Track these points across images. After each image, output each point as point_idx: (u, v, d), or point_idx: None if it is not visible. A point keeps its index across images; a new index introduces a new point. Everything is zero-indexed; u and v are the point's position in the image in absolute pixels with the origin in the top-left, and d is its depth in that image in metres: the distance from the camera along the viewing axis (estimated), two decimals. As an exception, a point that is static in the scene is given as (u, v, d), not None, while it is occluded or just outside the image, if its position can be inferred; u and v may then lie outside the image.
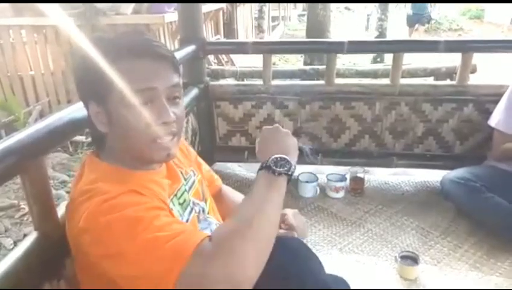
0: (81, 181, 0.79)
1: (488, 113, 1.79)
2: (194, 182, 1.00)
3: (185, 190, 0.93)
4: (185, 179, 0.96)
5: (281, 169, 0.77)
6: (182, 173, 0.95)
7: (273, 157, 0.79)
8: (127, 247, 0.67)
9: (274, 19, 11.71)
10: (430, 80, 3.48)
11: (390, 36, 7.63)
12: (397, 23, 12.02)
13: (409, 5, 8.99)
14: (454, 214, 1.74)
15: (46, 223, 0.85)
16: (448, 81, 2.40)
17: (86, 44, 0.79)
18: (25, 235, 1.92)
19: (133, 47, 0.78)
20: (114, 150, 0.82)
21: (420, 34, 9.27)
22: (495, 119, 1.71)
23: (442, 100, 1.89)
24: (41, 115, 3.67)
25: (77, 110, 0.91)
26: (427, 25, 9.80)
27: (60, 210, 0.90)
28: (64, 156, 2.88)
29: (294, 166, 0.81)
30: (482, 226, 1.63)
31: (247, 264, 0.65)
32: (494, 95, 1.78)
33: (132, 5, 3.24)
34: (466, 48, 1.81)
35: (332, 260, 1.49)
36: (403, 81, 1.98)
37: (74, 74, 0.83)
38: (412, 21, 8.58)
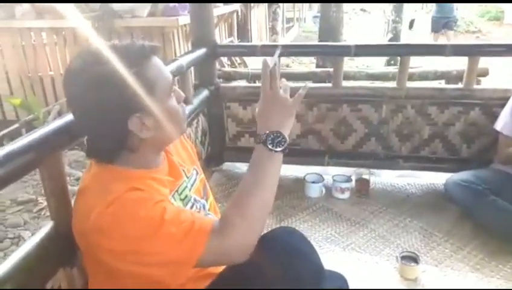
0: (85, 182, 0.85)
1: (494, 117, 1.80)
2: (195, 180, 1.05)
3: (186, 187, 0.98)
4: (187, 177, 1.01)
5: (278, 148, 0.85)
6: (184, 170, 1.00)
7: (270, 133, 0.86)
8: (147, 246, 0.74)
9: (289, 20, 11.72)
10: (441, 83, 3.48)
11: (404, 39, 7.55)
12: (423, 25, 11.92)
13: (433, 7, 8.09)
14: (458, 216, 1.76)
15: (61, 214, 0.92)
16: (454, 85, 2.41)
17: (103, 63, 0.76)
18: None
19: (148, 48, 0.82)
20: (137, 155, 0.85)
21: (450, 39, 7.91)
22: (500, 123, 1.73)
23: (449, 103, 1.91)
24: (60, 114, 3.79)
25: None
26: (455, 29, 8.73)
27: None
28: (81, 154, 2.99)
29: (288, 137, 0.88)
30: (485, 229, 1.65)
31: (250, 235, 0.81)
32: (501, 99, 1.80)
33: (148, 8, 3.33)
34: (472, 52, 1.83)
35: (335, 257, 1.53)
36: (410, 84, 2.01)
37: (101, 105, 0.77)
38: (438, 25, 7.72)
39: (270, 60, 0.90)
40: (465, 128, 1.93)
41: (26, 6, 3.58)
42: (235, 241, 0.79)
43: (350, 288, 1.21)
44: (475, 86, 1.91)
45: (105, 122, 0.80)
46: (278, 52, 1.00)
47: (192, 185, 1.03)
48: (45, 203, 2.28)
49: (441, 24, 7.58)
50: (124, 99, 0.77)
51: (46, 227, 0.92)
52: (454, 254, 1.57)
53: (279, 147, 0.85)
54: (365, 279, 1.42)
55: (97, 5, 3.37)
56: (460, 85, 1.91)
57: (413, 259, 1.46)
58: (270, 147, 0.85)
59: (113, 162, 0.84)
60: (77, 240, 0.85)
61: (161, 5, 3.35)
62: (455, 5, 7.67)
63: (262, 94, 0.91)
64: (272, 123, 0.87)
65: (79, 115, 0.83)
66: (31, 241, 0.88)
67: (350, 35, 11.69)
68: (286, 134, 0.88)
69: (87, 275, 0.94)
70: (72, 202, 0.96)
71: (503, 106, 1.75)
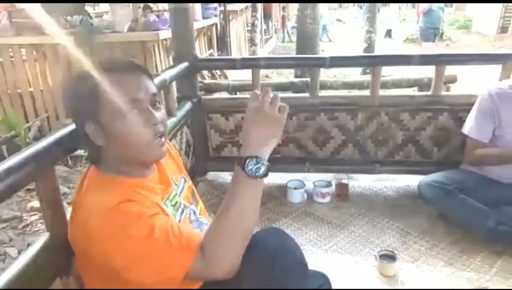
0: (82, 190, 0.90)
1: (461, 121, 1.92)
2: (184, 187, 1.12)
3: (176, 194, 1.05)
4: (176, 185, 1.08)
5: (257, 173, 0.84)
6: (172, 179, 1.07)
7: (249, 158, 0.84)
8: (136, 263, 0.80)
9: (267, 31, 11.94)
10: (414, 90, 3.65)
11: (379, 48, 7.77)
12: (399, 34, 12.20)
13: (406, 16, 8.30)
14: (433, 216, 1.87)
15: (56, 225, 0.97)
16: (423, 92, 2.55)
17: (77, 73, 0.93)
18: (28, 245, 2.02)
19: (115, 66, 0.90)
20: (110, 161, 0.93)
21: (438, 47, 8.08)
22: (467, 127, 1.84)
23: (419, 110, 2.03)
24: (40, 131, 3.78)
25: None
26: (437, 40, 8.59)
27: (69, 214, 1.01)
28: (65, 169, 2.99)
29: (268, 164, 0.86)
30: (457, 227, 1.75)
31: (231, 261, 0.85)
32: (466, 104, 1.92)
33: (128, 23, 3.38)
34: (438, 61, 1.96)
35: (317, 259, 1.61)
36: (383, 92, 2.13)
37: (68, 101, 0.93)
38: (427, 35, 7.53)
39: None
40: (435, 132, 2.05)
41: (4, 22, 3.58)
42: (218, 267, 0.83)
43: (335, 288, 1.28)
44: (443, 93, 2.04)
45: (76, 124, 0.94)
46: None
47: (181, 192, 1.09)
48: (30, 220, 2.29)
49: (430, 35, 7.46)
50: (79, 106, 0.90)
51: (42, 238, 0.96)
52: (429, 250, 1.66)
53: (258, 172, 0.84)
54: (346, 278, 1.50)
55: (77, 21, 3.40)
56: (429, 92, 2.04)
57: (391, 257, 1.55)
58: (249, 173, 0.84)
59: (103, 166, 0.92)
60: (74, 248, 0.90)
61: (141, 20, 3.41)
62: (443, 14, 7.72)
63: (247, 109, 0.89)
64: (256, 140, 0.86)
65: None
66: (28, 253, 0.91)
67: (327, 45, 12.03)
68: (268, 152, 0.87)
69: (82, 282, 0.98)
70: (67, 214, 1.01)
71: (468, 110, 1.87)
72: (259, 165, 0.84)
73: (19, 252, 1.97)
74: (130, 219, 0.81)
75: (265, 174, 0.85)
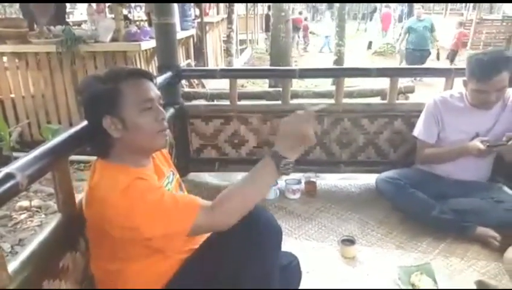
0: (95, 177, 1.09)
1: (413, 126, 2.19)
2: (172, 179, 1.33)
3: (169, 182, 1.27)
4: (167, 176, 1.29)
5: (285, 171, 1.07)
6: (164, 171, 1.28)
7: (285, 161, 1.06)
8: (153, 221, 1.00)
9: (242, 42, 12.25)
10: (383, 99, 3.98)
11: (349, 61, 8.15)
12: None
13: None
14: (389, 208, 2.12)
15: (67, 207, 1.15)
16: (380, 101, 2.85)
17: (96, 75, 1.13)
18: (20, 240, 2.15)
19: (132, 72, 1.13)
20: (120, 152, 1.12)
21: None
22: (417, 130, 2.12)
23: (377, 116, 2.31)
24: (21, 136, 3.86)
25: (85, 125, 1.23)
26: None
27: (77, 199, 1.20)
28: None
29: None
30: (408, 217, 2.02)
31: (233, 219, 1.06)
32: (417, 111, 2.20)
33: (111, 33, 3.54)
34: (392, 74, 2.26)
35: (289, 245, 1.81)
36: (347, 100, 2.39)
37: (84, 99, 1.11)
38: (412, 58, 7.11)
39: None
40: (391, 136, 2.34)
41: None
42: (219, 220, 1.05)
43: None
44: (397, 101, 2.33)
45: (90, 120, 1.12)
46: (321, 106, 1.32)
47: (171, 183, 1.30)
48: (20, 218, 2.40)
49: (417, 58, 7.04)
50: (99, 103, 1.07)
51: (55, 219, 1.14)
52: (384, 237, 1.92)
53: (286, 171, 1.06)
54: (313, 259, 1.73)
55: (60, 31, 3.54)
56: (385, 101, 2.32)
57: (351, 241, 1.80)
58: (279, 168, 1.05)
59: (111, 158, 1.11)
60: (92, 226, 1.08)
61: (123, 31, 3.58)
62: (432, 34, 7.21)
63: (294, 117, 1.11)
64: (290, 147, 1.08)
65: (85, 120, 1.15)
66: (44, 231, 1.09)
67: (300, 57, 12.45)
68: (294, 158, 1.08)
69: (87, 258, 1.17)
70: (76, 197, 1.19)
71: (418, 116, 2.16)
72: (289, 166, 1.07)
73: (12, 247, 2.09)
74: (144, 189, 1.03)
75: (286, 173, 1.08)
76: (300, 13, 16.63)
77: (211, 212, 1.04)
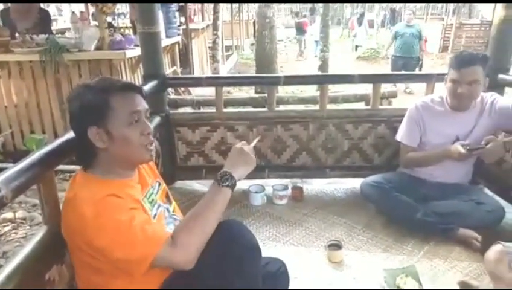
0: (73, 188, 1.08)
1: (396, 130, 2.24)
2: (158, 189, 1.33)
3: (153, 193, 1.26)
4: (152, 186, 1.29)
5: (224, 183, 1.10)
6: (149, 181, 1.29)
7: (221, 172, 1.11)
8: (117, 243, 0.99)
9: (228, 48, 12.28)
10: (361, 104, 4.05)
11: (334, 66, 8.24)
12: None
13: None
14: (374, 212, 2.16)
15: (53, 219, 1.15)
16: (363, 106, 2.91)
17: (86, 85, 1.13)
18: (4, 253, 2.11)
19: (124, 86, 1.13)
20: (103, 163, 1.12)
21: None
22: (399, 135, 2.17)
23: (361, 121, 2.35)
24: (4, 146, 3.79)
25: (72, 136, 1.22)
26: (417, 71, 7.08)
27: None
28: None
29: (237, 179, 1.13)
30: (393, 220, 2.05)
31: (193, 252, 1.03)
32: (399, 116, 2.25)
33: (95, 42, 3.52)
34: (374, 80, 2.31)
35: (276, 251, 1.84)
36: (331, 106, 2.43)
37: (72, 108, 1.10)
38: (396, 66, 6.91)
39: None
40: (375, 140, 2.38)
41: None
42: (180, 257, 1.02)
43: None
44: (380, 107, 2.38)
45: (76, 129, 1.12)
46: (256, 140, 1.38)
47: (156, 193, 1.30)
48: (3, 230, 2.36)
49: (400, 65, 6.83)
50: (87, 113, 1.08)
51: (41, 231, 1.14)
52: (370, 240, 1.95)
53: (225, 182, 1.10)
54: (301, 264, 1.74)
55: (44, 39, 3.50)
56: (369, 106, 2.36)
57: (338, 246, 1.82)
58: (219, 181, 1.10)
59: (94, 168, 1.11)
60: (67, 239, 1.08)
61: (108, 39, 3.56)
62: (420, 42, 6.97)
63: (234, 147, 1.20)
64: (234, 166, 1.14)
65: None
66: (30, 243, 1.09)
67: (283, 62, 12.54)
68: (236, 176, 1.12)
69: (73, 270, 1.16)
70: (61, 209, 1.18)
71: (401, 121, 2.21)
72: (227, 177, 1.11)
73: (-5, 260, 2.06)
74: (115, 207, 1.01)
75: (230, 186, 1.11)
76: (304, 16, 16.84)
77: (171, 247, 1.01)
